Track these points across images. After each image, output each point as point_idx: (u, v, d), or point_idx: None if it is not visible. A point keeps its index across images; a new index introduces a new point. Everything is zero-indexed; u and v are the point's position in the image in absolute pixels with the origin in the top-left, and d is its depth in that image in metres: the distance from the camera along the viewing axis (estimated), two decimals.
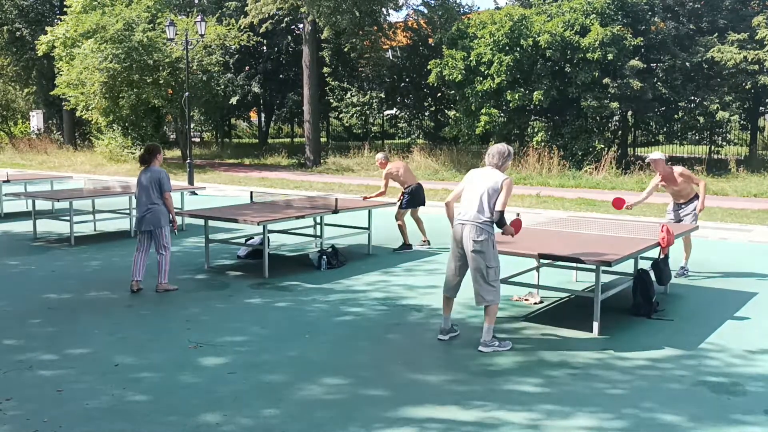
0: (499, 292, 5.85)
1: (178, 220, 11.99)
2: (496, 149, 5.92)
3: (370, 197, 10.81)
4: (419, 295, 7.62)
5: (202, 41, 25.51)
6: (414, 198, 10.60)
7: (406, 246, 10.45)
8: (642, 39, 21.69)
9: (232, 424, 4.37)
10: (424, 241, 10.70)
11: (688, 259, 8.77)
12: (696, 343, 5.96)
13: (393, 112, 35.12)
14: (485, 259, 5.71)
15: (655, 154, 8.64)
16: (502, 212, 5.71)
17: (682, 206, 8.67)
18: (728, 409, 4.64)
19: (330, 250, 9.30)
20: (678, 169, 8.55)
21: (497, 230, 5.91)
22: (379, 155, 11.02)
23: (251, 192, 10.98)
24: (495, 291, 5.77)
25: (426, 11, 29.80)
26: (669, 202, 8.91)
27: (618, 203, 8.40)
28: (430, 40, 30.04)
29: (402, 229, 10.47)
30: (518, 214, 7.42)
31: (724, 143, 26.11)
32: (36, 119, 37.91)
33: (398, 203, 10.68)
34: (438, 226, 12.21)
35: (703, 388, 4.98)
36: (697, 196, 8.60)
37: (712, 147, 25.48)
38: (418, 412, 4.57)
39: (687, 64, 22.13)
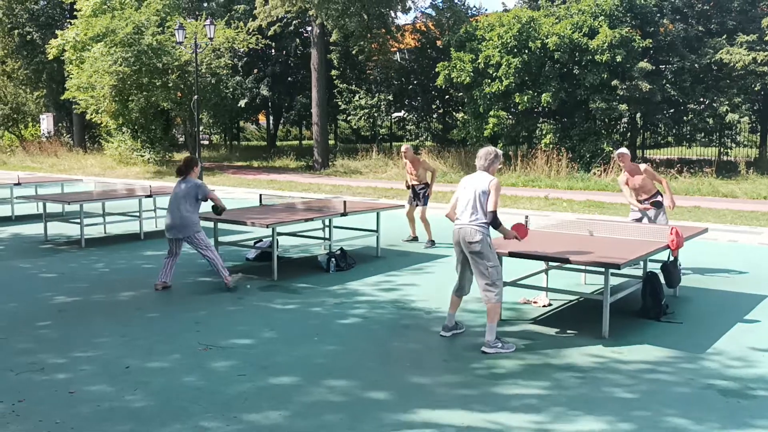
0: (502, 291, 5.93)
1: None
2: (483, 152, 6.05)
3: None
4: (427, 297, 7.63)
5: (211, 44, 25.64)
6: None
7: (432, 242, 10.84)
8: (651, 41, 21.64)
9: (241, 425, 4.39)
10: (413, 238, 11.21)
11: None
12: (705, 346, 5.95)
13: (401, 114, 35.13)
14: (483, 259, 5.83)
15: (622, 149, 8.96)
16: (494, 212, 5.81)
17: (646, 203, 8.84)
18: (738, 412, 4.63)
19: (339, 252, 9.32)
20: (642, 166, 8.91)
21: (499, 234, 6.03)
22: (408, 145, 11.41)
23: (260, 194, 11.02)
24: (497, 290, 5.85)
25: (434, 14, 29.84)
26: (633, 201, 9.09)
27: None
28: (439, 43, 30.05)
29: (428, 226, 10.88)
30: (527, 218, 7.43)
31: (734, 145, 25.99)
32: (46, 122, 38.14)
33: (421, 200, 10.98)
34: (446, 230, 12.28)
35: (713, 392, 4.97)
36: (658, 193, 8.87)
37: (722, 149, 25.37)
38: (424, 415, 4.58)
39: (696, 65, 22.06)
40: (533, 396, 4.89)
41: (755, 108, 23.92)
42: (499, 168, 6.07)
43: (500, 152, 6.13)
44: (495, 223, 5.84)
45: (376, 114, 33.00)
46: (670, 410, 4.64)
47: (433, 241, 10.83)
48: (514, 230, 6.21)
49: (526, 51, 22.23)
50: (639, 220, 8.84)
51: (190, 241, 7.94)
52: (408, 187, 11.24)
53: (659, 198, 8.87)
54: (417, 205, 11.03)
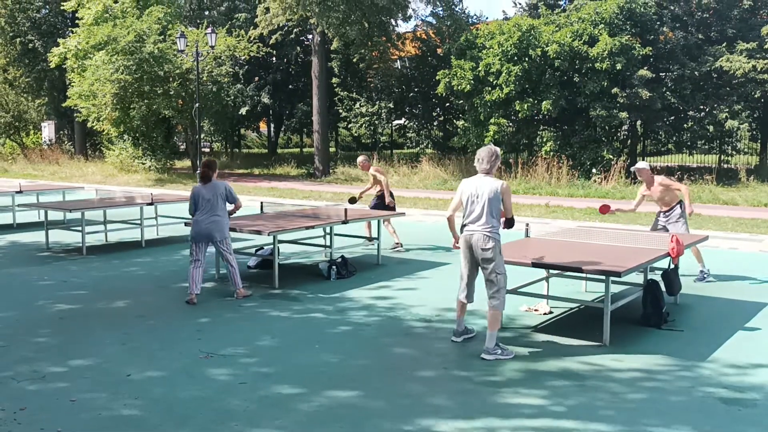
0: (505, 299, 5.96)
1: (189, 230, 12.05)
2: (484, 153, 6.00)
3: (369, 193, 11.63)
4: (428, 305, 7.63)
5: (212, 52, 25.74)
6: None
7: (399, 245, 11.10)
8: (651, 48, 21.70)
9: None
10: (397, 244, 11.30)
11: (703, 261, 8.91)
12: (706, 354, 5.95)
13: (402, 122, 35.21)
14: (495, 266, 5.87)
15: (641, 163, 9.01)
16: (512, 218, 6.05)
17: (667, 213, 8.87)
18: (738, 421, 4.62)
19: (339, 260, 9.33)
20: (659, 179, 8.89)
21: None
22: (362, 158, 11.75)
23: (261, 202, 11.04)
24: (501, 297, 5.90)
25: (435, 22, 29.95)
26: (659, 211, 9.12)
27: (604, 209, 8.80)
28: (439, 51, 30.15)
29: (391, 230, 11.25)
30: (527, 225, 7.45)
31: (734, 152, 26.02)
32: (48, 130, 38.24)
33: (377, 207, 11.32)
34: (446, 237, 12.28)
35: (714, 400, 4.96)
36: (680, 203, 8.84)
37: (722, 156, 25.40)
38: (425, 423, 4.58)
39: (696, 73, 22.11)
40: (534, 404, 4.89)
41: (755, 115, 23.97)
42: (498, 167, 6.08)
43: (499, 151, 6.16)
44: (512, 224, 6.06)
45: (376, 122, 33.08)
46: (671, 418, 4.63)
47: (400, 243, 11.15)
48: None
49: (527, 59, 22.29)
50: (660, 230, 8.78)
51: (215, 243, 7.94)
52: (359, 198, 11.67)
53: (678, 209, 8.81)
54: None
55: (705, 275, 8.86)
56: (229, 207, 8.10)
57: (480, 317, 6.87)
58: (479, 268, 6.01)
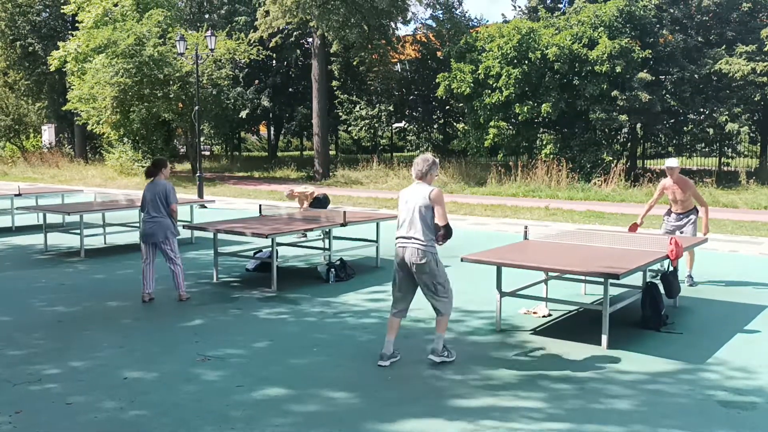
0: (451, 302, 5.76)
1: (188, 233, 12.05)
2: (420, 159, 5.65)
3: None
4: (426, 309, 7.58)
5: (212, 55, 25.74)
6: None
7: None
8: (650, 51, 21.72)
9: None
10: None
11: (692, 267, 8.89)
12: (705, 357, 5.93)
13: (402, 125, 35.24)
14: (432, 278, 5.59)
15: (673, 161, 8.85)
16: (446, 225, 5.51)
17: (682, 216, 8.82)
18: (738, 423, 4.60)
19: (338, 262, 9.31)
20: (690, 182, 8.82)
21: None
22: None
23: (260, 205, 11.03)
24: (447, 302, 5.71)
25: (434, 25, 29.99)
26: (666, 210, 9.09)
27: (632, 228, 8.81)
28: (439, 54, 30.19)
29: None
30: (526, 228, 7.43)
31: (734, 155, 26.02)
32: (48, 133, 38.27)
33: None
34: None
35: (713, 403, 4.94)
36: (695, 209, 8.79)
37: (722, 159, 25.40)
38: (423, 427, 4.56)
39: (695, 76, 22.12)
40: (532, 407, 4.87)
41: (755, 118, 23.97)
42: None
43: (437, 160, 5.74)
44: (450, 233, 5.54)
45: (376, 124, 33.10)
46: (670, 421, 4.61)
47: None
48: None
49: (526, 62, 22.31)
50: (671, 232, 8.75)
51: (158, 245, 7.84)
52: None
53: (693, 215, 8.78)
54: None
55: (691, 280, 8.80)
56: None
57: (477, 316, 6.84)
58: (413, 281, 5.65)
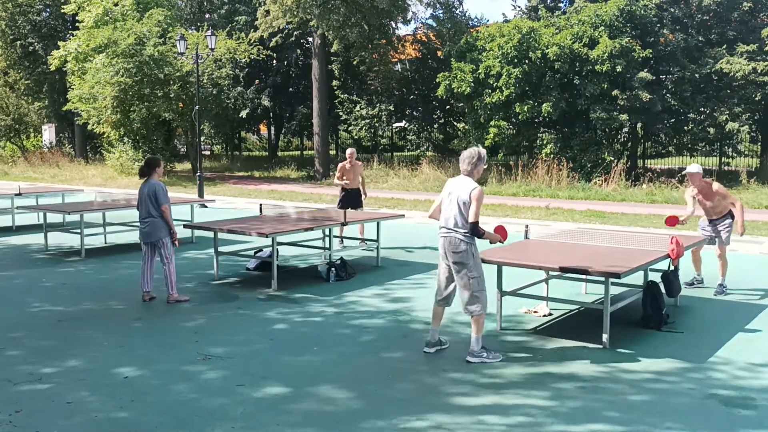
0: (486, 302, 5.78)
1: (188, 232, 12.05)
2: (466, 154, 5.80)
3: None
4: (427, 308, 7.59)
5: (213, 55, 25.74)
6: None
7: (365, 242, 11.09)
8: (651, 51, 21.70)
9: None
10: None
11: (725, 275, 8.40)
12: (706, 356, 5.92)
13: (402, 124, 35.23)
14: (467, 269, 5.70)
15: (693, 167, 8.19)
16: (475, 223, 5.62)
17: (717, 222, 8.31)
18: (738, 422, 4.59)
19: (339, 262, 9.31)
20: (715, 186, 8.19)
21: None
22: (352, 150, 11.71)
23: (260, 204, 11.03)
24: (481, 301, 5.73)
25: (435, 24, 29.99)
26: (701, 216, 8.54)
27: (671, 221, 8.29)
28: (439, 53, 30.17)
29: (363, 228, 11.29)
30: (527, 227, 7.42)
31: (735, 155, 26.01)
32: (48, 133, 38.28)
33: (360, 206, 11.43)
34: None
35: (714, 402, 4.94)
36: (731, 213, 8.29)
37: (723, 158, 25.39)
38: (424, 424, 4.55)
39: (696, 75, 22.11)
40: (534, 406, 4.86)
41: (756, 117, 23.96)
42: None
43: (484, 152, 5.87)
44: (476, 232, 5.67)
45: (377, 124, 33.09)
46: (671, 420, 4.61)
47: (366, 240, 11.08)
48: (496, 233, 6.09)
49: (527, 61, 22.29)
50: (710, 239, 8.32)
51: (154, 245, 7.84)
52: (344, 190, 11.52)
53: (728, 220, 8.26)
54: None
55: (723, 289, 8.35)
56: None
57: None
58: (453, 272, 5.80)
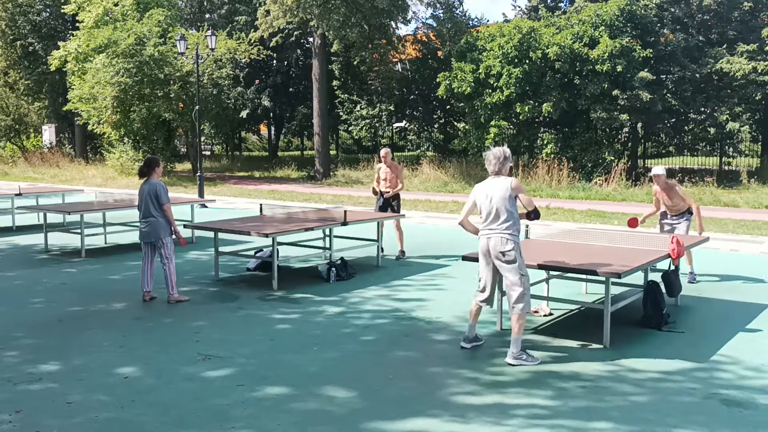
0: (530, 301, 5.85)
1: (188, 232, 12.04)
2: (492, 155, 5.91)
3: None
4: (428, 308, 7.60)
5: (213, 55, 25.73)
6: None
7: (402, 253, 10.66)
8: (651, 51, 21.69)
9: None
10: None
11: (692, 263, 8.94)
12: (707, 356, 5.91)
13: (402, 124, 35.21)
14: (516, 267, 5.76)
15: (658, 168, 9.00)
16: (535, 208, 5.93)
17: (674, 218, 8.95)
18: (740, 422, 4.59)
19: (339, 262, 9.30)
20: (677, 187, 8.96)
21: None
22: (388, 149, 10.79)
23: (261, 204, 11.02)
24: (526, 300, 5.79)
25: (435, 24, 29.95)
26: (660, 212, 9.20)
27: (632, 222, 8.91)
28: (439, 53, 30.16)
29: (402, 235, 10.78)
30: (527, 227, 7.39)
31: (735, 154, 26.00)
32: (48, 133, 38.26)
33: (396, 209, 10.79)
34: (446, 239, 12.22)
35: (715, 401, 4.93)
36: (689, 210, 8.87)
37: (723, 158, 25.37)
38: (426, 424, 4.54)
39: (697, 75, 22.10)
40: (536, 405, 4.85)
41: (756, 117, 23.94)
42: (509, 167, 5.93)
43: (509, 152, 6.01)
44: (538, 214, 5.95)
45: (377, 124, 33.08)
46: (673, 419, 4.60)
47: (404, 252, 10.68)
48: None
49: (527, 61, 22.28)
50: (668, 232, 8.85)
51: (155, 245, 7.82)
52: (376, 194, 10.78)
53: (686, 215, 8.86)
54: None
55: (694, 278, 8.90)
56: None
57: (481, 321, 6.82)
58: (497, 271, 5.89)
